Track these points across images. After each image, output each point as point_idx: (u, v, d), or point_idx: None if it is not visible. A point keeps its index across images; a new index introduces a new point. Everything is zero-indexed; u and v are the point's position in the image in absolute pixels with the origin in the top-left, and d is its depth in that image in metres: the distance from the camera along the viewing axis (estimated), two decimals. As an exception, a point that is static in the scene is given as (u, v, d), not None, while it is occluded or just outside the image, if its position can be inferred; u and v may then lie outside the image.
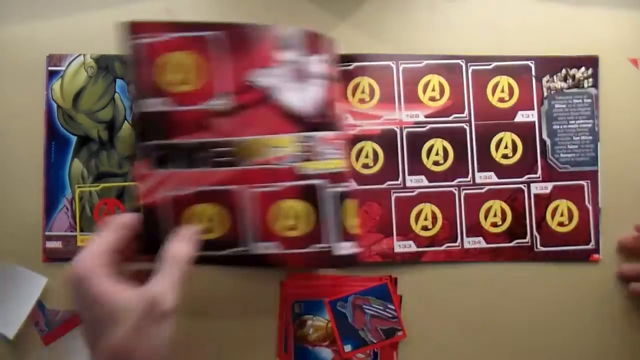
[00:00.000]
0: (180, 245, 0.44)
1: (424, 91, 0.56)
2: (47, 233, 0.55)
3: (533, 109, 0.57)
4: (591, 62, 0.57)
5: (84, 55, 0.57)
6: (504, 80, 0.57)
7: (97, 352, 0.40)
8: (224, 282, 0.56)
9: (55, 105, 0.56)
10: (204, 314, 0.55)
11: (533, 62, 0.57)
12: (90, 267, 0.40)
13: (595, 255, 0.56)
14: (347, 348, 0.55)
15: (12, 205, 0.56)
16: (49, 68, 0.57)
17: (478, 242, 0.55)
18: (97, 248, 0.42)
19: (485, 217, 0.56)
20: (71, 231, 0.56)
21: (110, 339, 0.39)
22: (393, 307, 0.55)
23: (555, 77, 0.57)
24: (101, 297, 0.39)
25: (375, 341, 0.55)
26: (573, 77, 0.57)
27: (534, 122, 0.56)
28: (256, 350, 0.55)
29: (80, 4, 0.58)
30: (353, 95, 0.56)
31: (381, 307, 0.55)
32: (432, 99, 0.56)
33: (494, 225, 0.55)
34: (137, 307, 0.40)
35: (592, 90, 0.56)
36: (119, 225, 0.44)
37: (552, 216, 0.56)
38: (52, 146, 0.56)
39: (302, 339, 0.55)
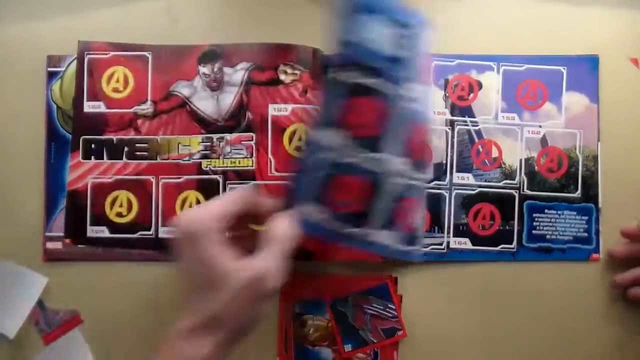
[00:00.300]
0: (285, 225, 0.44)
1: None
2: (47, 234, 0.55)
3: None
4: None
5: (83, 56, 0.57)
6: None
7: (192, 311, 0.41)
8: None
9: (55, 106, 0.56)
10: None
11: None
12: (206, 227, 0.41)
13: (595, 255, 0.56)
14: (348, 348, 0.55)
15: (13, 205, 0.56)
16: (49, 69, 0.57)
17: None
18: (215, 210, 0.42)
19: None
20: (71, 232, 0.56)
21: (208, 302, 0.41)
22: (393, 307, 0.55)
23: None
24: (209, 260, 0.40)
25: (375, 341, 0.55)
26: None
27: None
28: (256, 350, 0.55)
29: (80, 4, 0.58)
30: None
31: (381, 307, 0.55)
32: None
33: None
34: (242, 279, 0.40)
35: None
36: (238, 196, 0.45)
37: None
38: (52, 147, 0.56)
39: (302, 339, 0.55)
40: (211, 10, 0.58)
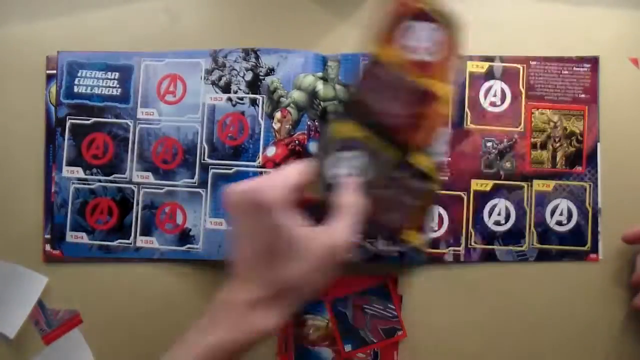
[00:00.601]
0: (355, 195, 0.44)
1: None
2: (46, 236, 0.56)
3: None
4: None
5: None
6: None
7: (257, 281, 0.41)
8: (224, 282, 0.56)
9: (52, 109, 0.56)
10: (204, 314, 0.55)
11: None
12: (277, 198, 0.40)
13: (594, 256, 0.56)
14: (348, 348, 0.55)
15: (13, 206, 0.56)
16: (47, 71, 0.57)
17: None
18: (284, 181, 0.42)
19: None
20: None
21: (284, 271, 0.40)
22: (393, 307, 0.55)
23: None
24: (284, 230, 0.40)
25: (375, 341, 0.55)
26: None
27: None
28: (256, 349, 0.55)
29: (80, 5, 0.58)
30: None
31: (381, 307, 0.55)
32: None
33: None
34: (319, 249, 0.41)
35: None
36: (302, 168, 0.44)
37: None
38: (50, 149, 0.56)
39: (302, 339, 0.55)
40: (210, 9, 0.58)
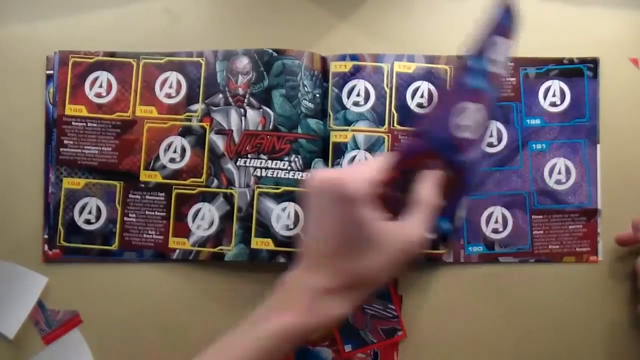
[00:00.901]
0: (432, 191, 0.44)
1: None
2: (46, 236, 0.55)
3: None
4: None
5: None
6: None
7: (334, 271, 0.41)
8: (224, 282, 0.56)
9: (52, 109, 0.56)
10: (204, 314, 0.55)
11: None
12: (361, 191, 0.40)
13: (594, 257, 0.56)
14: (348, 348, 0.55)
15: (13, 206, 0.56)
16: (47, 72, 0.56)
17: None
18: (369, 175, 0.42)
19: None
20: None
21: (360, 263, 0.41)
22: (393, 307, 0.55)
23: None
24: (365, 223, 0.40)
25: (375, 341, 0.55)
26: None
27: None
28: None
29: (80, 5, 0.58)
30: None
31: (381, 307, 0.55)
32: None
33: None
34: (397, 244, 0.41)
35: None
36: (384, 163, 0.44)
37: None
38: (49, 149, 0.56)
39: (302, 339, 0.55)
40: (210, 9, 0.58)
